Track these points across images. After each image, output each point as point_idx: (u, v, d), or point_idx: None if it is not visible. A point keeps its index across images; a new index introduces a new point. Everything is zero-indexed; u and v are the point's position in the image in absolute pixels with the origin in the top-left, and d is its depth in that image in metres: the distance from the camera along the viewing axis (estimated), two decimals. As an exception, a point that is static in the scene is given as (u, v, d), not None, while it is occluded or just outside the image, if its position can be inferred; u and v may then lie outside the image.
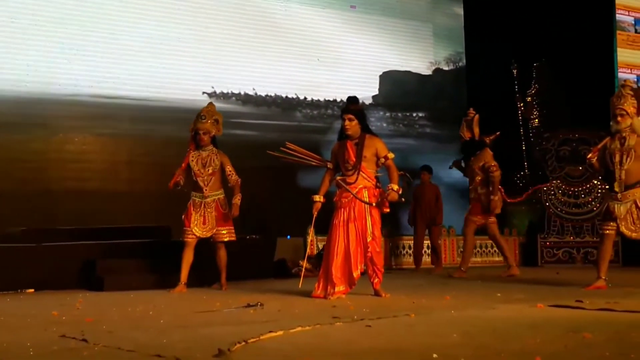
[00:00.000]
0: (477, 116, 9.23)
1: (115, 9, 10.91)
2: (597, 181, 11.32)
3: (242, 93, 11.95)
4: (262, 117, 12.04)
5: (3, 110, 9.93)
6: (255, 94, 12.06)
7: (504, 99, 13.02)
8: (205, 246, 7.62)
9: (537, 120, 12.76)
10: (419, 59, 13.85)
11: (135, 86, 10.92)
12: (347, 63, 12.86)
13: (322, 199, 6.60)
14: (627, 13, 14.00)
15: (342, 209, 6.40)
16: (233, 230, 7.64)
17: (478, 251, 11.53)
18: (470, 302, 5.84)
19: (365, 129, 6.57)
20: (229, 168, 7.60)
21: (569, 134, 11.79)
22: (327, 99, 12.70)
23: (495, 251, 11.60)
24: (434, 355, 3.25)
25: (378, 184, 6.50)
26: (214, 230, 7.50)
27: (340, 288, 6.28)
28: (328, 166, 6.72)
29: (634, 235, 6.95)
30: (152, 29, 11.13)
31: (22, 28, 10.20)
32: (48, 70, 10.33)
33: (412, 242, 10.97)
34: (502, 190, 9.15)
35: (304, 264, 7.23)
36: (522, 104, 12.93)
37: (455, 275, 8.97)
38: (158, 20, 11.22)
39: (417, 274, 10.20)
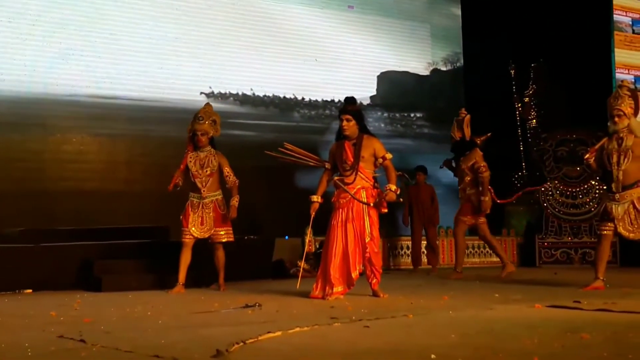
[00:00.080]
0: (468, 116, 9.24)
1: (113, 9, 10.91)
2: (595, 182, 11.33)
3: (240, 93, 11.95)
4: (259, 118, 12.03)
5: (1, 110, 9.92)
6: (253, 94, 12.06)
7: (501, 99, 13.02)
8: (204, 247, 7.62)
9: (534, 120, 12.75)
10: (416, 60, 13.86)
11: (133, 86, 10.92)
12: (344, 63, 12.86)
13: (319, 199, 6.61)
14: (624, 14, 14.00)
15: (340, 210, 6.41)
16: (231, 231, 7.65)
17: (476, 252, 11.53)
18: (468, 303, 5.84)
19: (363, 130, 6.58)
20: (226, 169, 7.61)
21: (566, 134, 11.80)
22: (324, 99, 12.70)
23: (492, 251, 11.61)
24: (432, 356, 3.25)
25: (376, 184, 6.50)
26: (212, 231, 7.51)
27: (338, 289, 6.29)
28: (326, 166, 6.72)
29: (631, 235, 6.96)
30: (150, 30, 11.13)
31: (20, 28, 10.19)
32: (46, 70, 10.32)
33: (410, 242, 10.98)
34: (492, 190, 9.15)
35: (302, 264, 7.24)
36: (519, 105, 12.93)
37: (452, 277, 8.97)
38: (156, 21, 11.22)
39: (415, 274, 10.20)
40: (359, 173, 6.40)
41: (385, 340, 3.91)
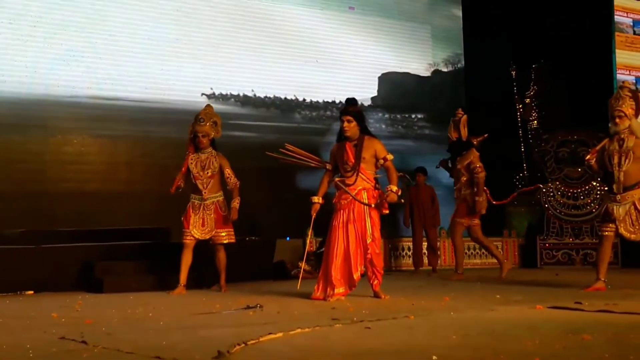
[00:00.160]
0: (465, 117, 9.26)
1: (114, 10, 10.90)
2: (596, 183, 11.32)
3: (241, 95, 11.95)
4: (260, 119, 12.03)
5: (2, 111, 9.91)
6: (254, 95, 12.06)
7: (502, 100, 13.01)
8: (205, 248, 7.62)
9: (536, 121, 12.75)
10: (417, 61, 13.85)
11: (134, 88, 10.91)
12: (345, 64, 12.85)
13: (320, 200, 6.61)
14: (625, 14, 14.00)
15: (342, 211, 6.41)
16: (232, 232, 7.66)
17: (477, 253, 11.52)
18: (470, 304, 5.84)
19: (364, 131, 6.58)
20: (227, 171, 7.61)
21: (567, 135, 11.79)
22: (325, 100, 12.70)
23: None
24: (434, 357, 3.25)
25: (377, 185, 6.50)
26: (213, 233, 7.51)
27: (339, 290, 6.29)
28: (327, 167, 6.73)
29: (632, 236, 6.96)
30: (150, 31, 11.13)
31: (21, 30, 10.18)
32: (47, 71, 10.32)
33: (411, 243, 10.98)
34: (488, 191, 9.15)
35: (303, 265, 7.24)
36: (520, 106, 12.92)
37: (453, 278, 8.97)
38: (157, 22, 11.21)
39: (417, 275, 10.20)
40: (360, 174, 6.40)
41: (386, 341, 3.91)
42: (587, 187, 11.53)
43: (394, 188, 6.35)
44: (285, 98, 12.37)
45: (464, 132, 9.21)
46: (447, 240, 11.44)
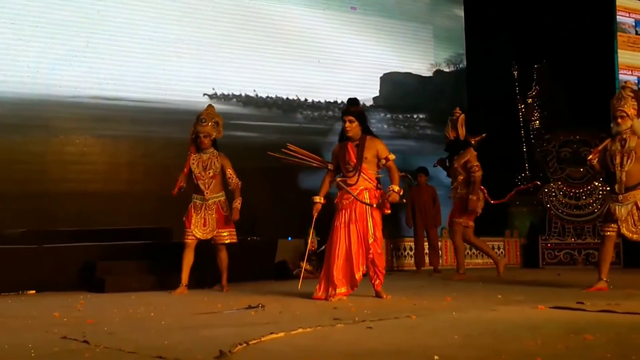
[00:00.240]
0: (462, 116, 9.26)
1: (116, 10, 10.91)
2: (598, 183, 11.31)
3: (243, 95, 11.96)
4: (262, 119, 12.04)
5: (4, 111, 9.92)
6: (256, 95, 12.06)
7: (504, 100, 13.01)
8: (206, 248, 7.62)
9: (537, 121, 12.75)
10: (419, 61, 13.85)
11: (135, 88, 10.92)
12: (347, 65, 12.85)
13: (322, 200, 6.61)
14: (627, 15, 14.00)
15: (343, 211, 6.41)
16: (234, 232, 7.66)
17: (479, 253, 11.50)
18: (471, 304, 5.84)
19: (366, 131, 6.58)
20: (229, 171, 7.61)
21: (569, 135, 11.78)
22: (327, 100, 12.70)
23: (496, 252, 11.63)
24: (435, 357, 3.25)
25: (379, 185, 6.50)
26: (214, 232, 7.51)
27: (341, 290, 6.28)
28: (329, 167, 6.73)
29: (635, 236, 6.96)
30: (152, 31, 11.13)
31: (23, 30, 10.19)
32: (49, 72, 10.32)
33: (413, 243, 10.98)
34: (485, 191, 9.15)
35: (304, 264, 7.24)
36: (522, 106, 12.92)
37: (455, 278, 8.97)
38: (158, 22, 11.22)
39: (418, 275, 10.20)
40: (361, 174, 6.41)
41: (388, 341, 3.91)
42: (589, 187, 11.52)
43: (396, 188, 6.35)
44: (287, 98, 12.38)
45: (462, 131, 9.21)
46: (448, 240, 11.42)
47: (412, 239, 10.97)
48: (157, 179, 10.21)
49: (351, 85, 12.28)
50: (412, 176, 10.39)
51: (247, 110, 11.95)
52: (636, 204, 6.87)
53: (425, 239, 10.82)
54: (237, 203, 7.55)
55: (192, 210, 7.50)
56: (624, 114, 6.94)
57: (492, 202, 9.34)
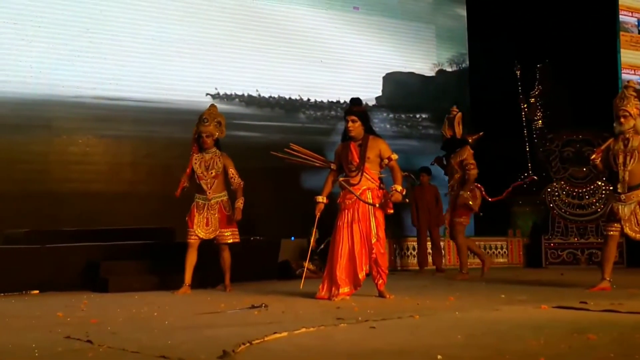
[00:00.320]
0: (459, 114, 9.27)
1: (119, 10, 10.91)
2: (601, 182, 11.29)
3: (246, 94, 11.96)
4: (265, 119, 12.04)
5: (6, 112, 9.94)
6: (259, 95, 12.07)
7: (507, 100, 12.98)
8: (209, 247, 7.63)
9: (540, 121, 12.72)
10: (422, 61, 13.85)
11: (138, 88, 10.93)
12: (350, 64, 12.86)
13: (324, 200, 6.61)
14: (630, 14, 13.99)
15: (346, 211, 6.41)
16: (237, 232, 7.66)
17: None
18: (474, 304, 5.84)
19: (369, 131, 6.58)
20: (231, 171, 7.61)
21: (572, 135, 11.77)
22: (330, 100, 12.71)
23: (498, 252, 11.63)
24: (438, 357, 3.25)
25: (382, 185, 6.50)
26: (217, 232, 7.51)
27: (344, 289, 6.29)
28: (331, 167, 6.73)
29: (638, 236, 6.95)
30: (155, 31, 11.14)
31: (25, 30, 10.20)
32: (51, 72, 10.33)
33: (416, 243, 10.98)
34: (483, 189, 9.14)
35: (306, 264, 7.23)
36: (525, 105, 12.89)
37: (458, 278, 8.96)
38: (161, 22, 11.23)
39: (422, 275, 10.20)
40: (364, 174, 6.41)
41: (391, 341, 3.91)
42: (592, 187, 11.50)
43: (399, 188, 6.35)
44: (290, 98, 12.38)
45: (459, 129, 9.21)
46: (451, 240, 11.43)
47: (415, 238, 10.97)
48: (159, 179, 10.22)
49: (354, 85, 12.27)
50: (414, 176, 10.40)
51: (250, 110, 11.95)
52: (639, 203, 6.86)
53: (428, 238, 10.83)
54: (240, 203, 7.56)
55: (195, 210, 7.51)
56: (627, 114, 6.93)
57: (489, 199, 9.33)
